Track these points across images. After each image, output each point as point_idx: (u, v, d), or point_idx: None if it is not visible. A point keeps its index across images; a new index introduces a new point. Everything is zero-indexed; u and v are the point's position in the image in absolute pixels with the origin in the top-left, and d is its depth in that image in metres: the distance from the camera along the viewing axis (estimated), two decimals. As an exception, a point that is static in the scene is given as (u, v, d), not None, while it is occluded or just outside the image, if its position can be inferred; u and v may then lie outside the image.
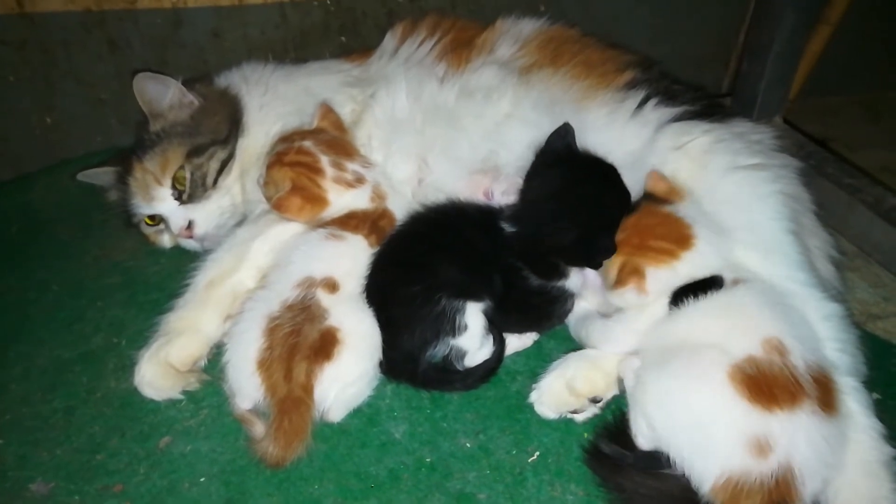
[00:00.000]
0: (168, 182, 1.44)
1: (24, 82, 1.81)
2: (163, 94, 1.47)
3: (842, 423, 0.98)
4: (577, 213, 1.18)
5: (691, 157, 1.28)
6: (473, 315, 1.18)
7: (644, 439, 1.03)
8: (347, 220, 1.28)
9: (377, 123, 1.49)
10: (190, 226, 1.44)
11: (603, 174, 1.22)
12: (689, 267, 1.10)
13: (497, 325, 1.22)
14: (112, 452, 1.13)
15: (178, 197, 1.44)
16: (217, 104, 1.50)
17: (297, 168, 1.29)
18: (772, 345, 0.98)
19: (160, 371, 1.19)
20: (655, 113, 1.35)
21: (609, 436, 1.09)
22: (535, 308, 1.25)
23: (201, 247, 1.46)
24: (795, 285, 1.14)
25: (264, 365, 1.10)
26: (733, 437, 0.94)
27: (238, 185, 1.48)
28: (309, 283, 1.16)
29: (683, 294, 1.08)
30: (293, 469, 1.08)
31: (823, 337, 1.08)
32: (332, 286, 1.17)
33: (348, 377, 1.13)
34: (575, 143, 1.24)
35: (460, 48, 1.52)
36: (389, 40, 1.62)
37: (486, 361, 1.20)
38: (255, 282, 1.28)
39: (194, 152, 1.44)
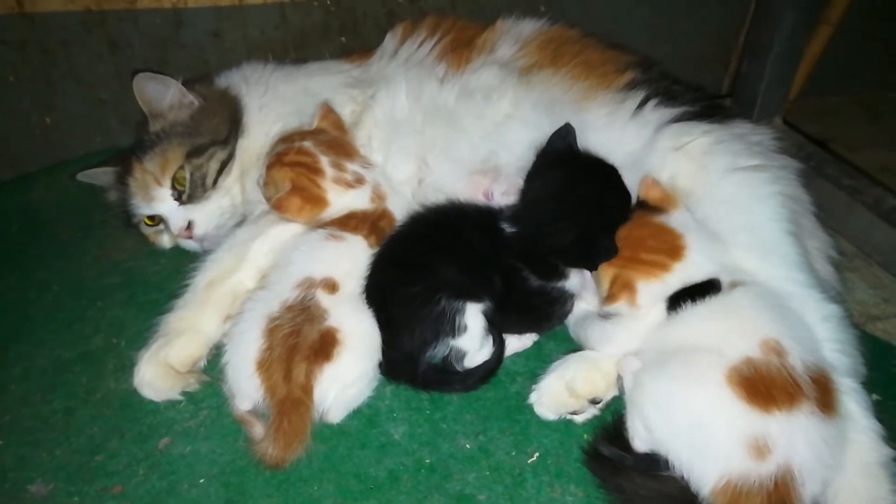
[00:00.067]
0: (168, 182, 1.44)
1: (24, 82, 1.81)
2: (163, 95, 1.47)
3: (841, 423, 0.99)
4: (577, 214, 1.18)
5: (691, 158, 1.28)
6: (473, 316, 1.18)
7: (641, 441, 1.03)
8: (347, 221, 1.28)
9: (377, 124, 1.49)
10: (189, 226, 1.44)
11: (604, 175, 1.22)
12: (680, 278, 1.10)
13: (497, 326, 1.21)
14: (111, 453, 1.13)
15: (178, 197, 1.44)
16: (217, 104, 1.50)
17: (296, 168, 1.29)
18: (769, 346, 0.98)
19: (160, 372, 1.19)
20: (655, 113, 1.35)
21: (608, 438, 1.09)
22: (534, 309, 1.25)
23: (201, 247, 1.46)
24: (794, 286, 1.14)
25: (264, 366, 1.10)
26: (732, 439, 0.94)
27: (238, 186, 1.48)
28: (308, 284, 1.16)
29: (681, 298, 1.08)
30: (293, 470, 1.08)
31: (822, 338, 1.09)
32: (331, 287, 1.17)
33: (348, 378, 1.13)
34: (576, 143, 1.24)
35: (460, 48, 1.52)
36: (390, 41, 1.62)
37: (485, 362, 1.20)
38: (255, 282, 1.28)
39: (194, 153, 1.44)
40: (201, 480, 1.08)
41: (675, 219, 1.15)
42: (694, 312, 1.07)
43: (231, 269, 1.30)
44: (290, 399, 1.08)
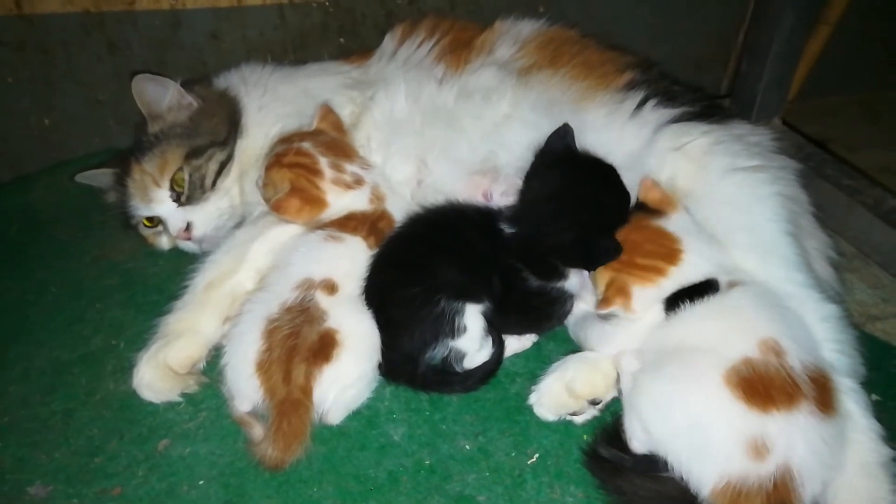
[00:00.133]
0: (166, 184, 1.43)
1: (23, 83, 1.81)
2: (161, 96, 1.47)
3: (840, 423, 0.98)
4: (576, 214, 1.18)
5: (690, 159, 1.28)
6: (473, 316, 1.18)
7: (639, 443, 1.03)
8: (346, 222, 1.28)
9: (376, 125, 1.49)
10: (188, 227, 1.44)
11: (602, 174, 1.22)
12: (677, 281, 1.10)
13: (496, 327, 1.21)
14: (111, 455, 1.13)
15: (177, 199, 1.44)
16: (216, 106, 1.50)
17: (295, 169, 1.29)
18: (768, 346, 0.98)
19: (159, 373, 1.19)
20: (654, 114, 1.35)
21: (607, 439, 1.09)
22: (534, 309, 1.24)
23: (200, 249, 1.46)
24: (793, 286, 1.14)
25: (263, 367, 1.09)
26: (730, 440, 0.94)
27: (237, 187, 1.48)
28: (308, 285, 1.16)
29: (679, 299, 1.08)
30: (292, 471, 1.08)
31: (821, 338, 1.09)
32: (330, 288, 1.17)
33: (347, 379, 1.13)
34: (574, 143, 1.24)
35: (459, 49, 1.52)
36: (389, 42, 1.62)
37: (485, 363, 1.20)
38: (254, 283, 1.28)
39: (193, 154, 1.44)
40: (201, 482, 1.08)
41: (674, 222, 1.15)
42: (692, 313, 1.07)
43: (230, 270, 1.29)
44: (290, 400, 1.08)
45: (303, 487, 1.07)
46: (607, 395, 1.16)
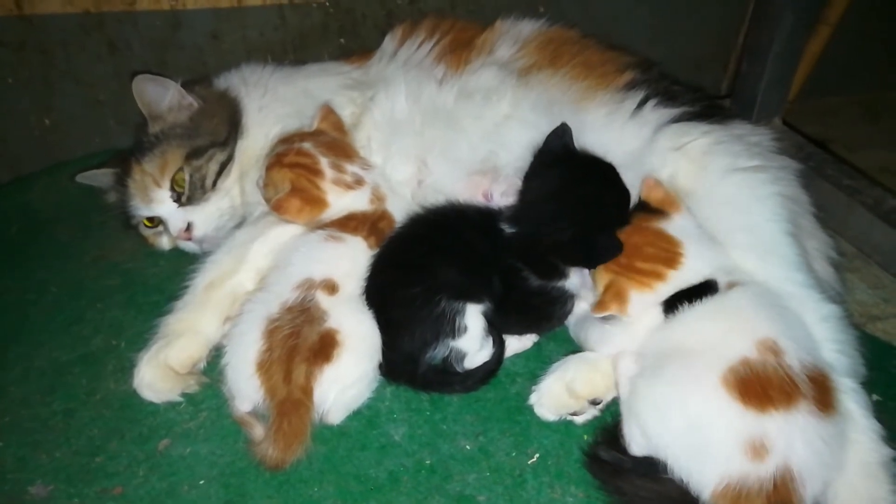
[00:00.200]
0: (167, 184, 1.44)
1: (23, 84, 1.81)
2: (162, 96, 1.47)
3: (840, 423, 0.98)
4: (575, 213, 1.18)
5: (691, 159, 1.28)
6: (473, 316, 1.18)
7: (637, 447, 1.03)
8: (347, 222, 1.28)
9: (376, 125, 1.49)
10: (189, 228, 1.44)
11: (601, 173, 1.22)
12: (675, 285, 1.09)
13: (497, 327, 1.22)
14: (111, 455, 1.13)
15: (177, 199, 1.44)
16: (216, 106, 1.50)
17: (296, 169, 1.29)
18: (766, 345, 0.98)
19: (159, 373, 1.19)
20: (655, 114, 1.35)
21: (607, 441, 1.09)
22: (534, 309, 1.25)
23: (200, 249, 1.46)
24: (793, 286, 1.14)
25: (263, 367, 1.10)
26: (729, 441, 0.94)
27: (237, 187, 1.48)
28: (308, 285, 1.16)
29: (678, 300, 1.08)
30: (293, 471, 1.08)
31: (821, 338, 1.08)
32: (331, 288, 1.17)
33: (348, 379, 1.13)
34: (573, 142, 1.24)
35: (459, 49, 1.52)
36: (389, 42, 1.62)
37: (485, 363, 1.20)
38: (255, 284, 1.28)
39: (193, 154, 1.44)
40: (201, 482, 1.08)
41: (675, 224, 1.14)
42: (690, 314, 1.06)
43: (230, 270, 1.30)
44: (290, 400, 1.08)
45: (303, 487, 1.07)
46: (608, 395, 1.16)
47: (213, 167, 1.45)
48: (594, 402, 1.16)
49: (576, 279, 1.21)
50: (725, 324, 1.04)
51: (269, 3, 1.84)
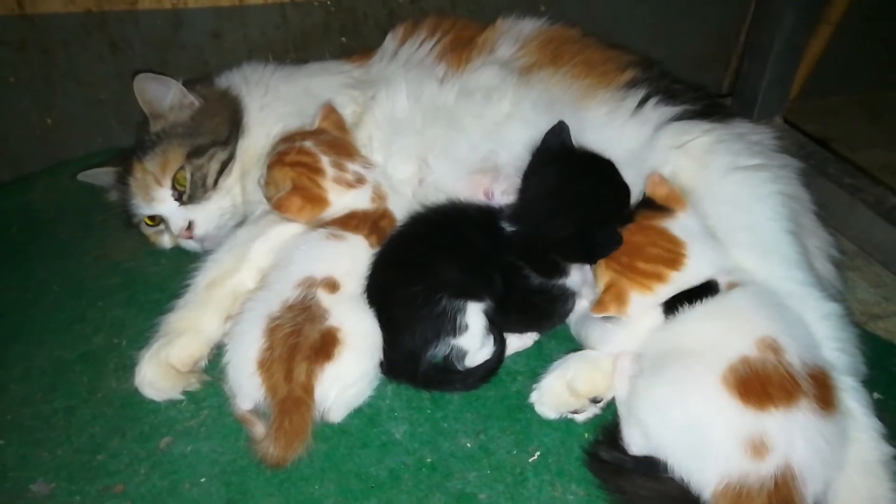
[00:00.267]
0: (168, 183, 1.44)
1: (25, 83, 1.81)
2: (163, 95, 1.47)
3: (841, 421, 0.98)
4: (573, 210, 1.17)
5: (692, 157, 1.28)
6: (474, 315, 1.18)
7: (637, 447, 1.04)
8: (348, 221, 1.28)
9: (377, 124, 1.49)
10: (190, 226, 1.44)
11: (599, 169, 1.21)
12: (676, 286, 1.09)
13: (498, 325, 1.22)
14: (113, 453, 1.13)
15: (179, 197, 1.44)
16: (217, 105, 1.50)
17: (297, 168, 1.29)
18: (766, 344, 0.98)
19: (161, 371, 1.19)
20: (656, 112, 1.35)
21: (608, 441, 1.09)
22: (535, 307, 1.25)
23: (201, 247, 1.46)
24: (794, 285, 1.14)
25: (265, 365, 1.10)
26: (729, 440, 0.94)
27: (238, 186, 1.48)
28: (309, 283, 1.16)
29: (678, 301, 1.08)
30: (294, 469, 1.08)
31: (822, 336, 1.09)
32: (332, 286, 1.17)
33: (349, 377, 1.13)
34: (570, 140, 1.24)
35: (460, 48, 1.52)
36: (390, 41, 1.62)
37: (486, 361, 1.20)
38: (256, 282, 1.28)
39: (195, 153, 1.44)
40: (202, 480, 1.08)
41: (680, 223, 1.13)
42: (691, 315, 1.06)
43: (232, 269, 1.30)
44: (291, 398, 1.08)
45: (304, 485, 1.07)
46: (608, 394, 1.16)
47: (215, 166, 1.45)
48: (595, 401, 1.16)
49: (577, 277, 1.21)
50: (725, 323, 1.04)
51: (270, 1, 1.84)
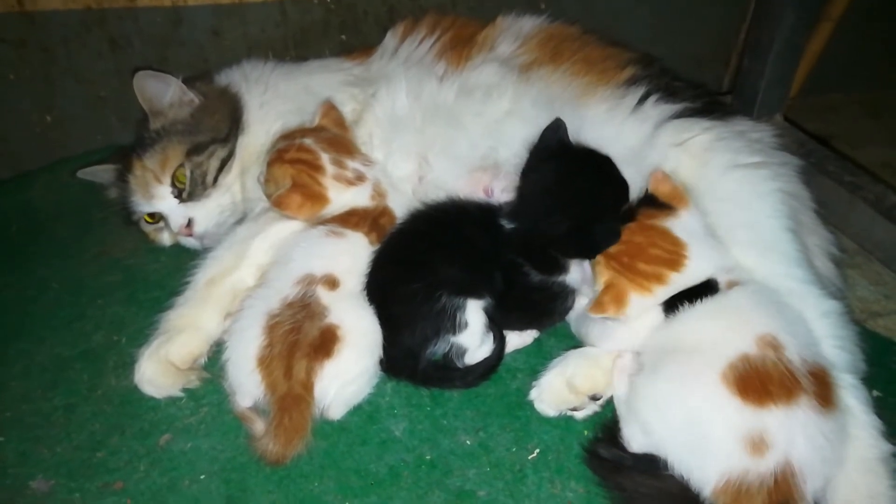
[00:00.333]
0: (168, 180, 1.44)
1: (24, 81, 1.81)
2: (163, 92, 1.47)
3: (840, 418, 0.98)
4: (570, 206, 1.17)
5: (692, 155, 1.28)
6: (474, 312, 1.18)
7: (637, 445, 1.04)
8: (348, 218, 1.28)
9: (378, 122, 1.49)
10: (190, 224, 1.44)
11: (596, 165, 1.21)
12: (675, 288, 1.09)
13: (497, 323, 1.22)
14: (112, 450, 1.13)
15: (178, 195, 1.44)
16: (217, 102, 1.50)
17: (297, 165, 1.29)
18: (766, 341, 0.98)
19: (160, 369, 1.19)
20: (656, 109, 1.35)
21: (607, 438, 1.09)
22: (535, 305, 1.25)
23: (201, 245, 1.46)
24: (794, 282, 1.14)
25: (264, 362, 1.10)
26: (729, 437, 0.94)
27: (238, 184, 1.49)
28: (309, 281, 1.16)
29: (678, 300, 1.08)
30: (293, 466, 1.08)
31: (822, 334, 1.09)
32: (332, 283, 1.17)
33: (348, 374, 1.13)
34: (567, 137, 1.23)
35: (460, 46, 1.52)
36: (390, 39, 1.62)
37: (486, 359, 1.20)
38: (256, 280, 1.28)
39: (194, 150, 1.44)
40: (202, 477, 1.09)
41: (682, 222, 1.12)
42: (691, 313, 1.06)
43: (231, 266, 1.30)
44: (291, 395, 1.08)
45: (304, 482, 1.07)
46: (608, 391, 1.16)
47: (214, 163, 1.45)
48: (594, 398, 1.16)
49: (576, 273, 1.21)
50: (725, 322, 1.04)
51: (269, -1, 1.84)
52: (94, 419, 1.18)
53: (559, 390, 1.16)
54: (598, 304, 1.09)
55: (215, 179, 1.46)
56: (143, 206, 1.48)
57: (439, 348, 1.18)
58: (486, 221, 1.23)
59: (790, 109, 2.10)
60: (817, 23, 2.02)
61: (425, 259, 1.20)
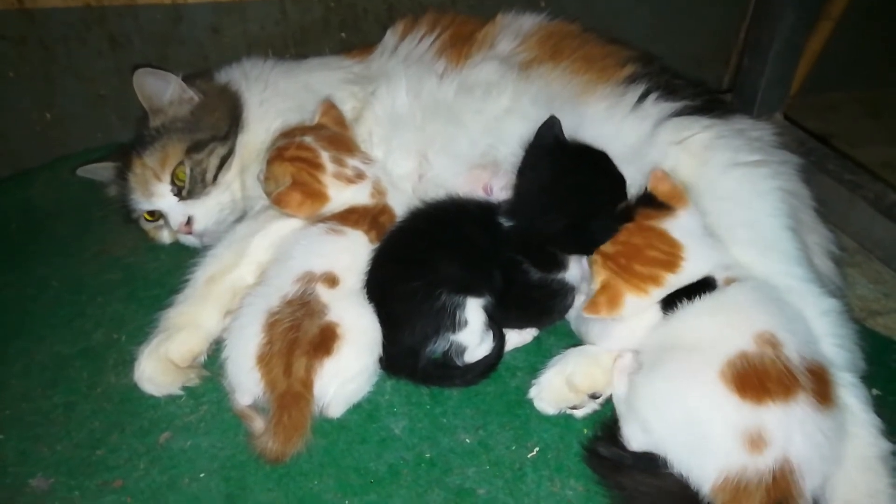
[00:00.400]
0: (167, 178, 1.44)
1: (24, 79, 1.81)
2: (163, 90, 1.47)
3: (839, 415, 0.98)
4: (565, 203, 1.17)
5: (692, 153, 1.28)
6: (474, 310, 1.18)
7: (637, 443, 1.04)
8: (348, 216, 1.28)
9: (377, 120, 1.49)
10: (189, 222, 1.44)
11: (592, 161, 1.21)
12: (670, 288, 1.09)
13: (497, 321, 1.22)
14: (112, 448, 1.13)
15: (178, 193, 1.44)
16: (217, 100, 1.50)
17: (297, 163, 1.29)
18: (764, 338, 0.98)
19: (160, 367, 1.19)
20: (656, 107, 1.35)
21: (607, 437, 1.09)
22: (535, 303, 1.25)
23: (201, 243, 1.46)
24: (793, 281, 1.14)
25: (264, 360, 1.10)
26: (727, 435, 0.94)
27: (238, 181, 1.49)
28: (309, 278, 1.16)
29: (677, 298, 1.08)
30: (293, 464, 1.08)
31: (822, 332, 1.09)
32: (331, 281, 1.17)
33: (348, 373, 1.13)
34: (563, 133, 1.23)
35: (460, 43, 1.52)
36: (390, 37, 1.62)
37: (485, 357, 1.20)
38: (255, 277, 1.28)
39: (194, 148, 1.44)
40: (202, 475, 1.09)
41: (680, 223, 1.11)
42: (689, 311, 1.06)
43: (231, 264, 1.30)
44: (291, 393, 1.08)
45: (303, 480, 1.07)
46: (607, 389, 1.16)
47: (214, 161, 1.45)
48: (594, 396, 1.16)
49: (576, 271, 1.21)
50: (723, 319, 1.04)
51: (269, -3, 1.84)
52: (94, 417, 1.18)
53: (559, 388, 1.16)
54: (592, 304, 1.09)
55: (215, 177, 1.46)
56: (142, 203, 1.48)
57: (439, 346, 1.18)
58: (486, 219, 1.23)
59: (790, 108, 2.10)
60: (817, 22, 2.01)
61: (425, 257, 1.20)
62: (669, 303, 1.09)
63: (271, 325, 1.11)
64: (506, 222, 1.21)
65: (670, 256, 1.09)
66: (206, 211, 1.45)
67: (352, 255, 1.23)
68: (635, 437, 1.04)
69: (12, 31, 1.75)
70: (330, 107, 1.41)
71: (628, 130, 1.33)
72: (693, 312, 1.06)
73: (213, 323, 1.25)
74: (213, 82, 1.55)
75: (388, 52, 1.59)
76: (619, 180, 1.19)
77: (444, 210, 1.27)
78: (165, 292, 1.32)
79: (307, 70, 1.59)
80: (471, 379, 1.20)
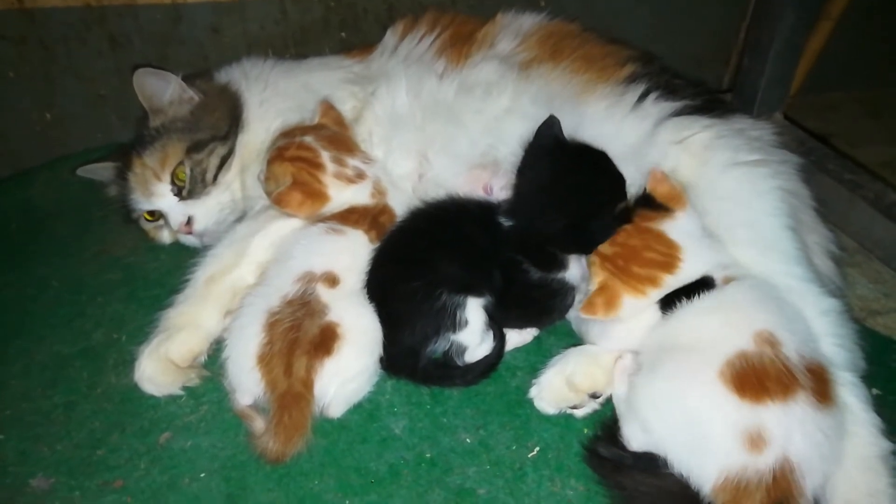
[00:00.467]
0: (167, 178, 1.44)
1: (24, 78, 1.81)
2: (163, 90, 1.47)
3: (839, 414, 0.98)
4: (564, 203, 1.17)
5: (691, 153, 1.28)
6: (474, 310, 1.18)
7: (637, 443, 1.04)
8: (348, 216, 1.28)
9: (377, 120, 1.49)
10: (189, 222, 1.44)
11: (591, 161, 1.21)
12: (668, 288, 1.09)
13: (497, 321, 1.22)
14: (112, 448, 1.13)
15: (178, 193, 1.44)
16: (217, 100, 1.50)
17: (297, 163, 1.29)
18: (763, 338, 0.98)
19: (160, 367, 1.19)
20: (656, 107, 1.35)
21: (607, 437, 1.09)
22: (535, 303, 1.25)
23: (201, 242, 1.46)
24: (793, 280, 1.14)
25: (264, 360, 1.10)
26: (727, 434, 0.94)
27: (238, 181, 1.49)
28: (309, 278, 1.16)
29: (675, 297, 1.08)
30: (293, 464, 1.08)
31: (821, 332, 1.09)
32: (332, 281, 1.17)
33: (348, 372, 1.13)
34: (562, 133, 1.23)
35: (460, 43, 1.52)
36: (390, 37, 1.62)
37: (486, 357, 1.20)
38: (256, 277, 1.28)
39: (194, 148, 1.44)
40: (202, 475, 1.09)
41: (679, 225, 1.11)
42: (688, 310, 1.06)
43: (231, 264, 1.30)
44: (291, 393, 1.08)
45: (304, 480, 1.07)
46: (607, 389, 1.16)
47: (214, 161, 1.45)
48: (594, 396, 1.16)
49: (576, 270, 1.21)
50: (722, 318, 1.04)
51: (269, -4, 1.84)
52: (94, 417, 1.18)
53: (559, 388, 1.16)
54: (589, 305, 1.09)
55: (215, 177, 1.46)
56: (142, 203, 1.48)
57: (439, 346, 1.18)
58: (486, 219, 1.23)
59: (790, 108, 2.10)
60: (817, 21, 2.02)
61: (425, 257, 1.20)
62: (668, 302, 1.09)
63: (272, 325, 1.11)
64: (506, 222, 1.21)
65: (668, 258, 1.09)
66: (206, 211, 1.45)
67: (352, 254, 1.23)
68: (635, 437, 1.04)
69: (12, 31, 1.75)
70: (329, 107, 1.41)
71: (628, 130, 1.33)
72: (692, 312, 1.06)
73: (214, 323, 1.25)
74: (213, 82, 1.55)
75: (388, 52, 1.59)
76: (619, 180, 1.19)
77: (444, 210, 1.27)
78: (165, 292, 1.31)
79: (307, 70, 1.59)
80: (471, 379, 1.20)
